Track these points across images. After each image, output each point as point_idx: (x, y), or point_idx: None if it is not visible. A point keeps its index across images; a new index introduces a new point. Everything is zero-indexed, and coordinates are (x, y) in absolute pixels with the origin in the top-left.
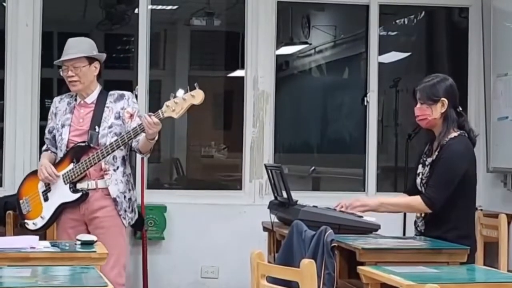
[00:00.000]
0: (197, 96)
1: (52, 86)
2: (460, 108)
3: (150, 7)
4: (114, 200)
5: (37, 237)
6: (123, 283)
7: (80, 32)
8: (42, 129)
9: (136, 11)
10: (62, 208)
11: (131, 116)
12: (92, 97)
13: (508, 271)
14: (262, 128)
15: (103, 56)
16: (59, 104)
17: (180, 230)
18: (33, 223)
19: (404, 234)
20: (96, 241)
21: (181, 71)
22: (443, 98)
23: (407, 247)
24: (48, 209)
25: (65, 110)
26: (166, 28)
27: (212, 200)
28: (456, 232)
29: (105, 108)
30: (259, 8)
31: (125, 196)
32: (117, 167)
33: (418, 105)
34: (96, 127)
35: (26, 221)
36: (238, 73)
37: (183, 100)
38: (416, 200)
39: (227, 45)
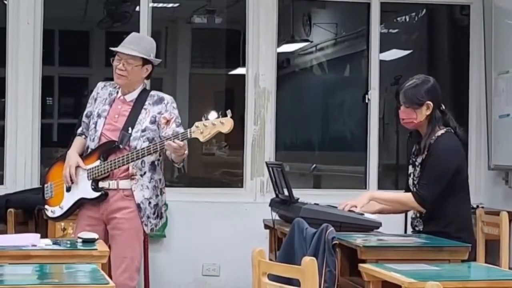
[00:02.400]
0: (226, 124)
1: (53, 84)
2: (443, 107)
3: (151, 5)
4: (138, 206)
5: (38, 235)
6: (134, 287)
7: (81, 30)
8: (43, 127)
9: (137, 9)
10: (82, 202)
11: (168, 122)
12: (133, 95)
13: (510, 268)
14: (263, 125)
15: (158, 61)
16: (101, 90)
17: (181, 227)
18: (52, 211)
19: (405, 232)
20: (97, 238)
21: (182, 69)
22: (428, 102)
23: (408, 244)
24: (68, 201)
25: (105, 100)
26: (167, 26)
27: (213, 198)
28: (454, 226)
29: (142, 110)
30: (260, 5)
31: (150, 202)
32: (144, 172)
33: (403, 108)
34: (129, 129)
35: (46, 206)
36: (239, 70)
37: (213, 125)
38: (409, 197)
39: (228, 43)
